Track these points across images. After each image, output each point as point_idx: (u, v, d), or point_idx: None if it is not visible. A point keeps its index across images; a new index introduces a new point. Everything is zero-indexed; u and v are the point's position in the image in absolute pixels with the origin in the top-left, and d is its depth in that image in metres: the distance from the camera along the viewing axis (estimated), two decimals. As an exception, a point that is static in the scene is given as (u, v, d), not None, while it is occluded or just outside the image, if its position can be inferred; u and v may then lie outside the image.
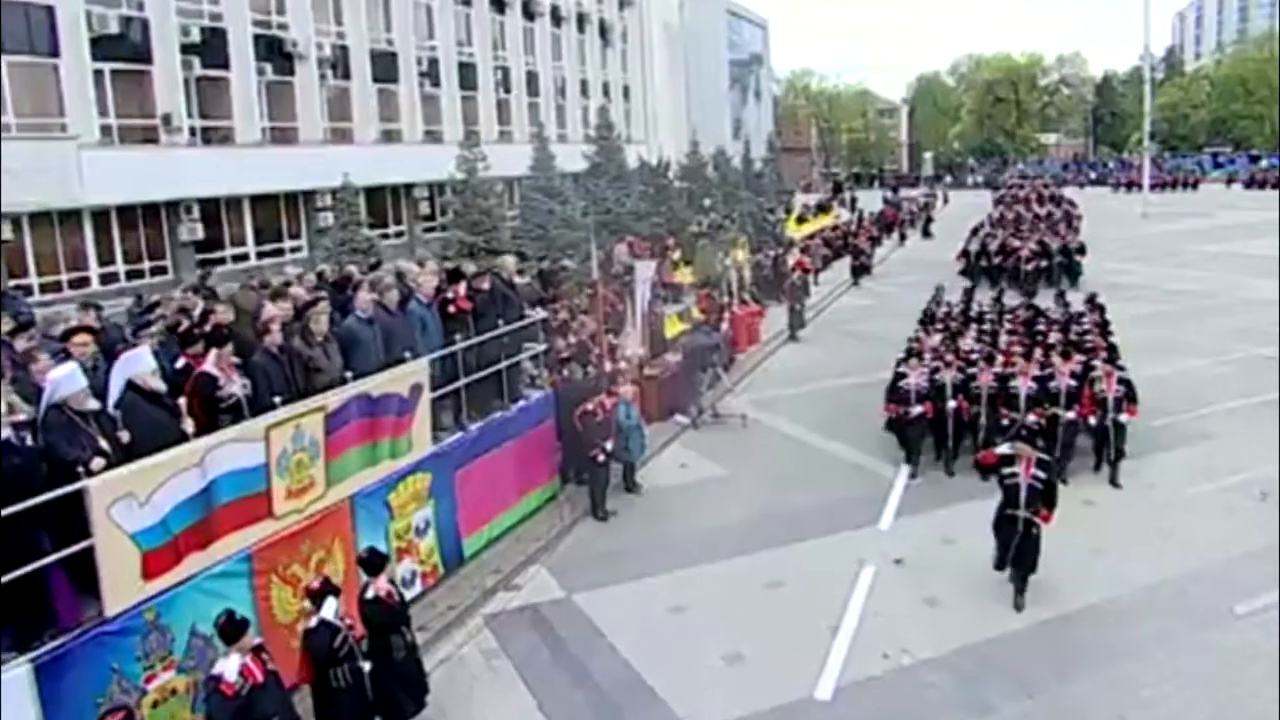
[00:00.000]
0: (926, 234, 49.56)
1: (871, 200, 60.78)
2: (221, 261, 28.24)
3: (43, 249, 22.94)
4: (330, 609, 7.55)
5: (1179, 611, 10.23)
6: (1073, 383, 13.99)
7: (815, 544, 12.33)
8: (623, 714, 8.88)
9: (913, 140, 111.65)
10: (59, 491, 6.86)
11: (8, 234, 21.15)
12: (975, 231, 36.87)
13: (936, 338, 17.11)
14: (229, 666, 6.80)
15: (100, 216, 24.54)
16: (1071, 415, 13.85)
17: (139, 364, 7.84)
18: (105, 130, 24.48)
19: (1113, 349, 16.28)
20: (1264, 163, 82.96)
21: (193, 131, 27.93)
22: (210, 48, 28.06)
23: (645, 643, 10.04)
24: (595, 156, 38.09)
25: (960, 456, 14.54)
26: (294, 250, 30.57)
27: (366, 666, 7.75)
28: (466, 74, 40.60)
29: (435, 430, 11.24)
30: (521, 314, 13.29)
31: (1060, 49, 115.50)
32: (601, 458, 13.27)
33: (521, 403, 13.08)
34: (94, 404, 7.44)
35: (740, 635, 10.15)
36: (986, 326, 18.83)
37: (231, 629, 6.90)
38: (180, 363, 8.85)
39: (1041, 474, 10.07)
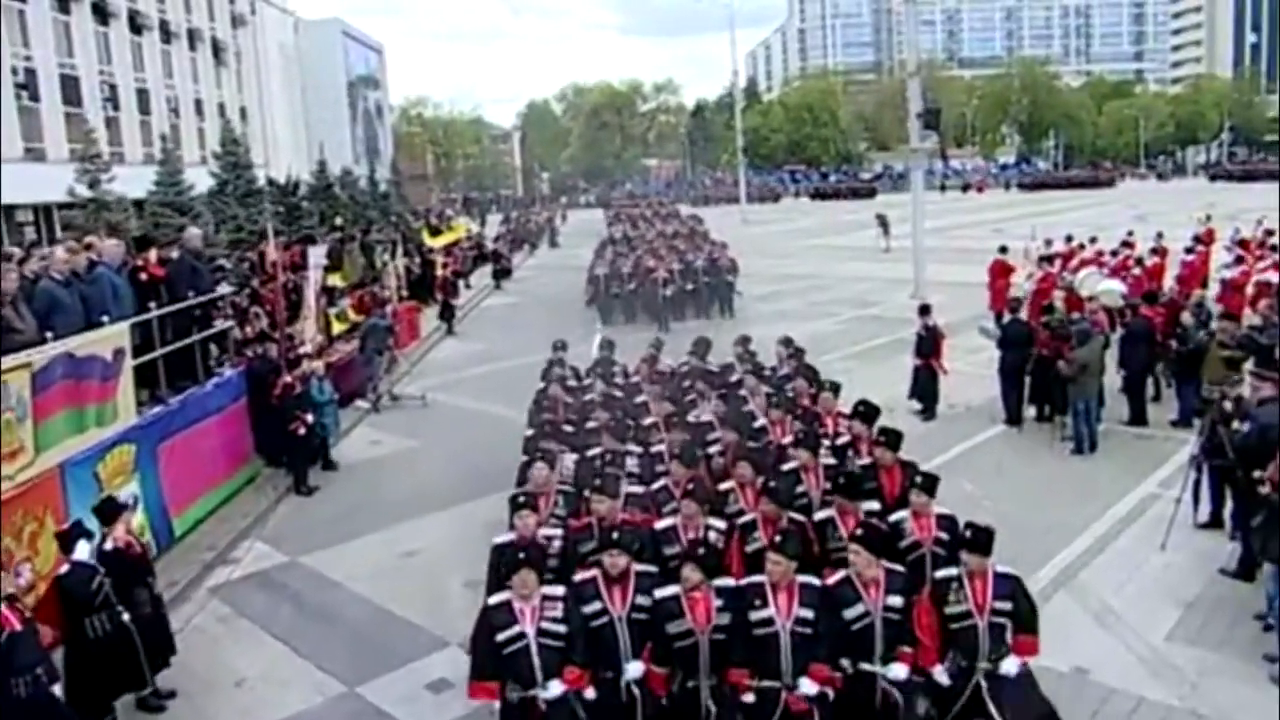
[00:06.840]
0: (554, 244, 53.72)
1: (492, 221, 63.41)
2: None
3: None
4: (84, 550, 7.17)
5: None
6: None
7: (524, 490, 13.01)
8: (382, 643, 9.05)
9: (526, 164, 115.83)
10: None
11: None
12: (600, 253, 31.88)
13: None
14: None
15: None
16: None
17: None
18: None
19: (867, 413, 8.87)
20: (832, 178, 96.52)
21: None
22: None
23: (387, 584, 10.25)
24: (223, 174, 36.42)
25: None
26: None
27: (126, 616, 7.39)
28: (69, 87, 37.23)
29: (136, 403, 10.68)
30: (212, 287, 12.87)
31: (654, 79, 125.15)
32: (303, 430, 13.16)
33: (216, 379, 12.65)
34: None
35: (477, 566, 10.43)
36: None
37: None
38: None
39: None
